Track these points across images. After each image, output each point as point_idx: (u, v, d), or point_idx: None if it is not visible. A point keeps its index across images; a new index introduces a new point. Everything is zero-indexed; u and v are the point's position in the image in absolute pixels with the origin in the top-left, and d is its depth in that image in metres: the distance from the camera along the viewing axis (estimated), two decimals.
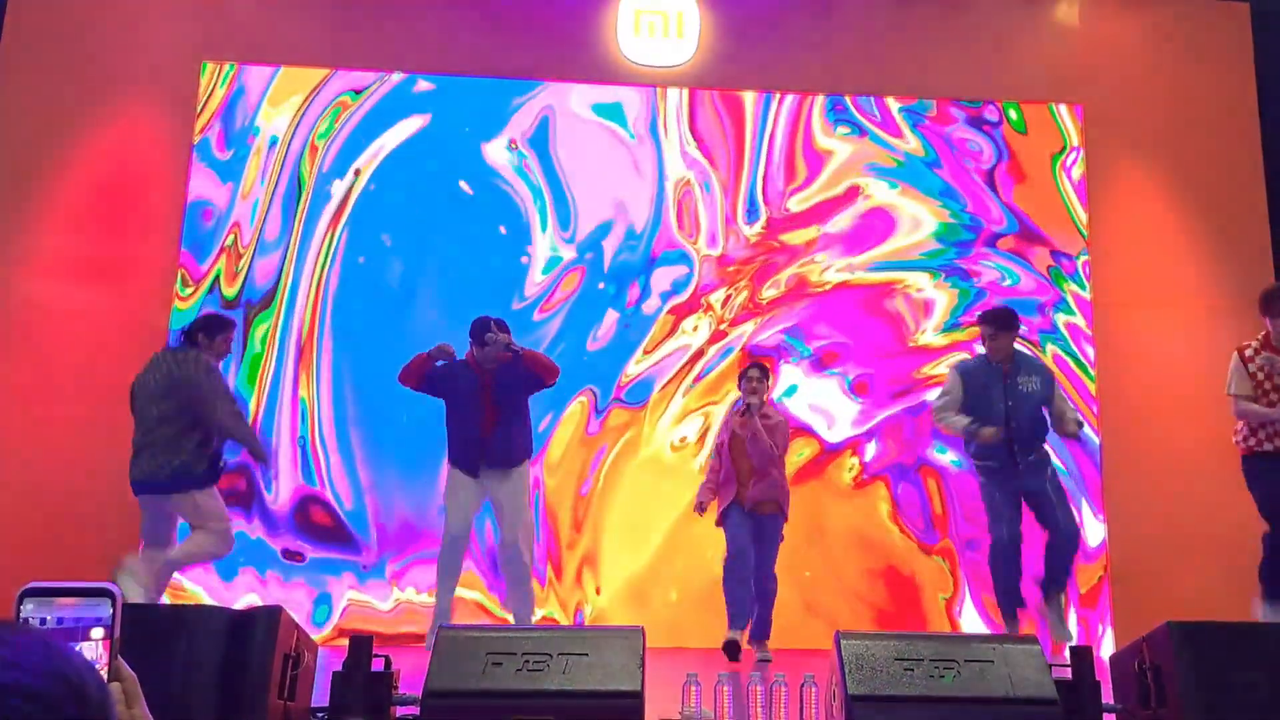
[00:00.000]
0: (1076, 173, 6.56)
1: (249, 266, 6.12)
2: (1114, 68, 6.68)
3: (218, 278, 6.08)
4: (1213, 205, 6.56)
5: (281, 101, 6.29)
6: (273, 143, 6.24)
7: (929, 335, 6.35)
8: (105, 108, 6.19)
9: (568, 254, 6.27)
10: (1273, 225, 6.50)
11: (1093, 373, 6.31)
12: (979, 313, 5.26)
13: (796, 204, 6.46)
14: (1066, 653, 2.86)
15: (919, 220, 6.46)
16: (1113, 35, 6.74)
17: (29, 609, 0.92)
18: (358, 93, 6.35)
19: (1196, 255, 6.53)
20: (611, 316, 6.24)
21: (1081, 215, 6.52)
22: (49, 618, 0.93)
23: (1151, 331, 6.40)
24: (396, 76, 6.38)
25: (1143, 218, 6.55)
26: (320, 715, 2.83)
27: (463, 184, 6.31)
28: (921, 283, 6.40)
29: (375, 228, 6.24)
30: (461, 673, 2.62)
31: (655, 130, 6.44)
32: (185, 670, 2.49)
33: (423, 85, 6.40)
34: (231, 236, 6.11)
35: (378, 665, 2.77)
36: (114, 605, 0.95)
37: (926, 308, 6.38)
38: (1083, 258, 6.45)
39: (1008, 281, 6.42)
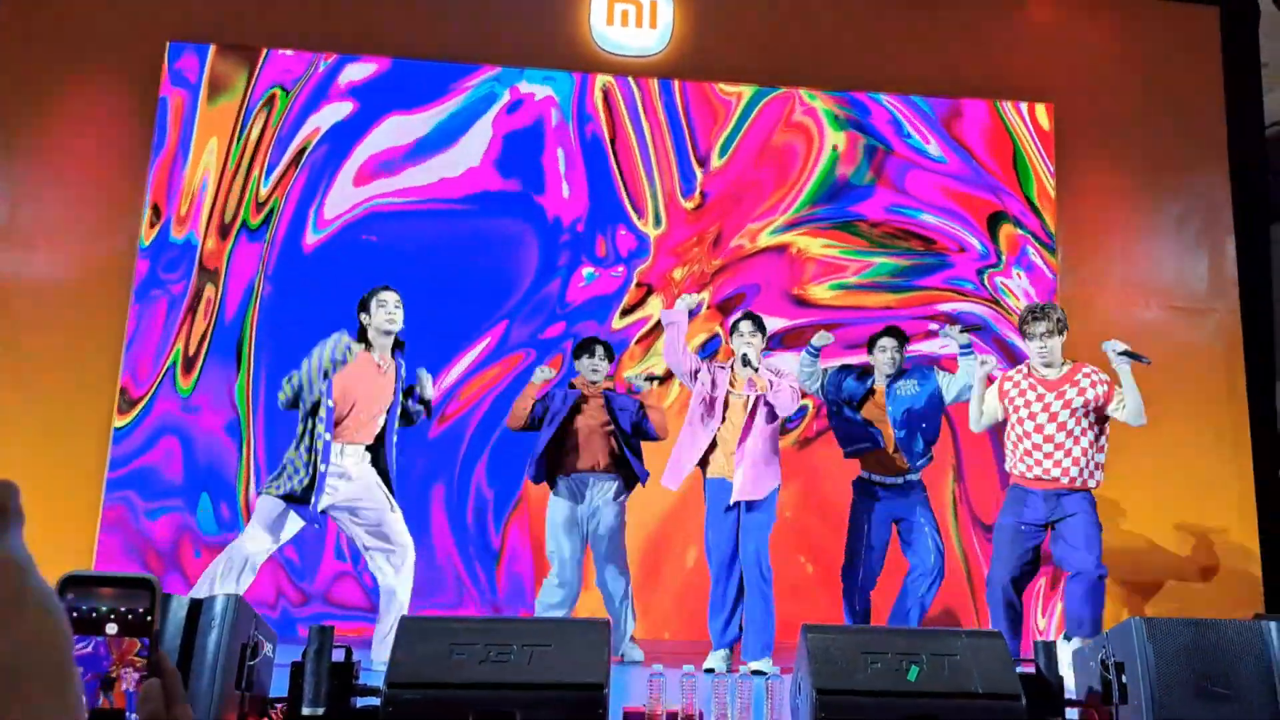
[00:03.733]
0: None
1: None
2: (1085, 68, 6.72)
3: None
4: (1180, 205, 6.63)
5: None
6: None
7: (854, 289, 6.34)
8: (68, 86, 6.08)
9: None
10: (1237, 226, 6.59)
11: None
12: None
13: (721, 157, 6.40)
14: (1032, 647, 2.87)
15: (843, 155, 6.46)
16: (1084, 36, 6.79)
17: (70, 597, 0.90)
18: (288, 89, 6.26)
19: (1163, 254, 6.60)
20: (584, 272, 6.22)
21: (1041, 165, 6.56)
22: (84, 607, 0.90)
23: (1118, 329, 6.44)
24: (327, 61, 6.30)
25: (1111, 216, 6.60)
26: (279, 705, 2.78)
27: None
28: (841, 238, 6.39)
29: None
30: (423, 663, 2.58)
31: (584, 110, 6.38)
32: None
33: (353, 73, 6.28)
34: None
35: (338, 656, 2.73)
36: (153, 597, 0.92)
37: (834, 265, 6.38)
38: (1056, 244, 6.49)
39: (958, 246, 6.43)
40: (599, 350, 4.95)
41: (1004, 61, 6.70)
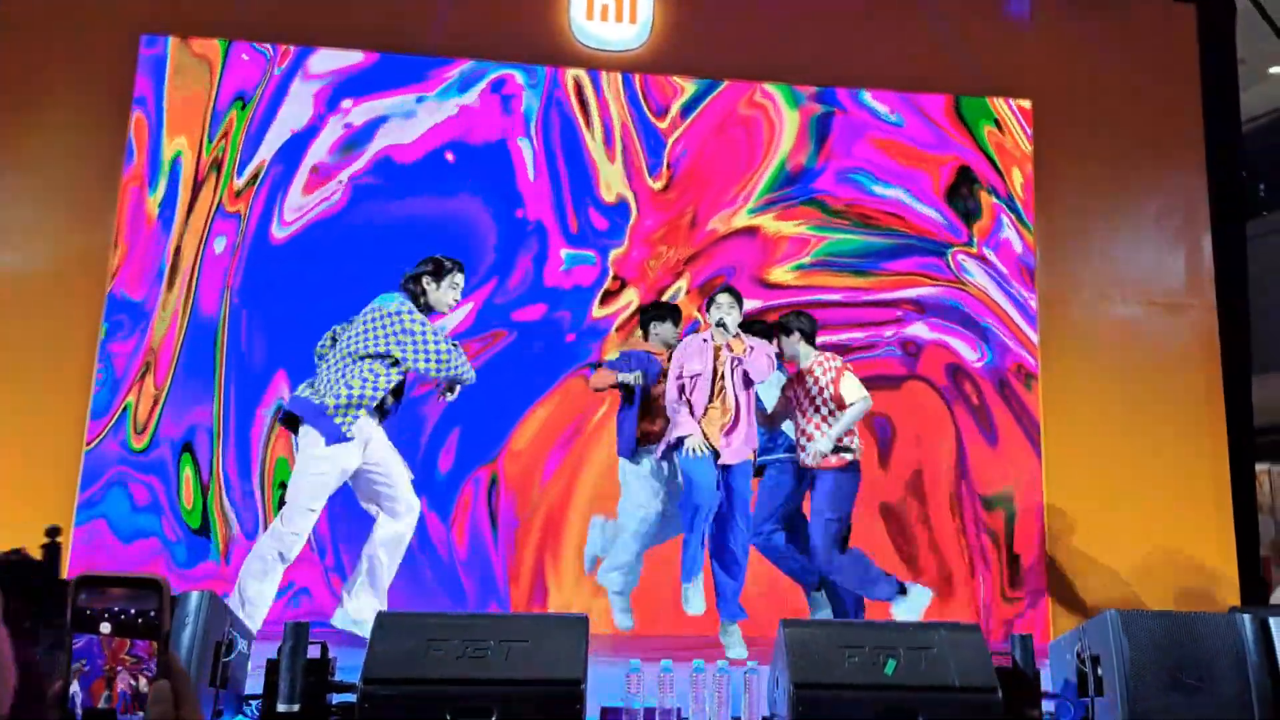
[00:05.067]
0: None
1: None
2: (1063, 65, 6.75)
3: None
4: (1157, 201, 6.67)
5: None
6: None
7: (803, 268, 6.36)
8: (35, 81, 6.00)
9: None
10: (1214, 222, 6.63)
11: (1034, 358, 6.35)
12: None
13: (685, 118, 6.40)
14: (1007, 640, 2.88)
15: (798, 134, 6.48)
16: (1062, 33, 6.81)
17: (83, 598, 0.91)
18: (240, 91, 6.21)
19: (1141, 250, 6.64)
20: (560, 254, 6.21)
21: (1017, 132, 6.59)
22: (85, 607, 0.92)
23: (1096, 325, 6.48)
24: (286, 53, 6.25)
25: (1089, 212, 6.62)
26: (254, 703, 2.77)
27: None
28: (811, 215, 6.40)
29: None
30: (400, 659, 2.57)
31: (555, 92, 6.37)
32: None
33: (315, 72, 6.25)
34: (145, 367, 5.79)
35: (314, 652, 2.71)
36: (160, 598, 0.91)
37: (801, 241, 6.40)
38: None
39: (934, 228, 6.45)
40: (669, 315, 5.02)
41: (982, 58, 6.71)
